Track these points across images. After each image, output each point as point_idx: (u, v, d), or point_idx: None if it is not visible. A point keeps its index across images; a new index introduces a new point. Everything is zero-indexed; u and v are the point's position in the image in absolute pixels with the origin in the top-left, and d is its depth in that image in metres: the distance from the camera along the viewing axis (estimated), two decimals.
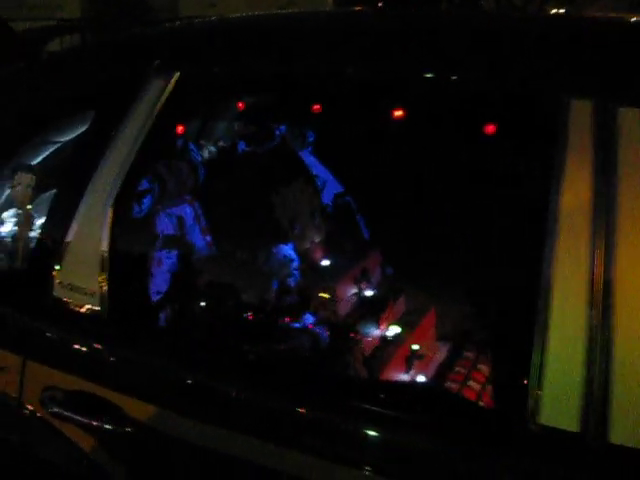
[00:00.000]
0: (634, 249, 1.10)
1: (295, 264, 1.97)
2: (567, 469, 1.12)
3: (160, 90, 1.51)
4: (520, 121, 1.38)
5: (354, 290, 2.08)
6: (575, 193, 1.16)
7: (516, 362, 1.26)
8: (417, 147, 1.96)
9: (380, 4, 1.73)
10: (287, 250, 1.97)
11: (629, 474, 1.09)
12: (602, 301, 1.11)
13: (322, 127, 2.35)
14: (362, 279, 2.12)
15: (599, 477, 1.11)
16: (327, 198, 2.43)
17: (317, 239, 2.15)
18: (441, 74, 1.39)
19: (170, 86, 1.51)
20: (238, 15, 1.98)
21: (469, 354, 1.90)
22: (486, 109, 1.48)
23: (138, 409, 1.45)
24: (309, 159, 2.42)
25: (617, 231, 1.12)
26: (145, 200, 1.81)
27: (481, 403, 1.67)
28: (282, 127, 2.23)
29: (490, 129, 1.50)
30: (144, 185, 1.81)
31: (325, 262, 2.13)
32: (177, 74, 1.52)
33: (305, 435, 1.33)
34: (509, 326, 1.50)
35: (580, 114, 1.18)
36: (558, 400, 1.12)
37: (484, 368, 1.80)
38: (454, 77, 1.36)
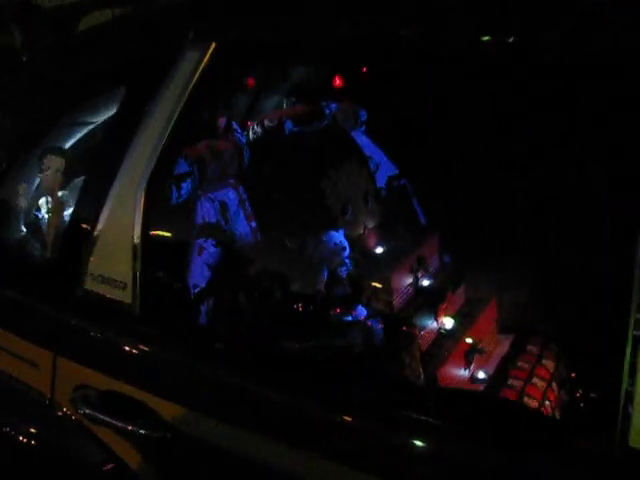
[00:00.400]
0: None
1: (347, 252, 1.81)
2: None
3: (195, 63, 1.37)
4: None
5: (410, 280, 1.92)
6: None
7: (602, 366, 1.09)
8: (482, 129, 1.81)
9: None
10: (338, 237, 1.82)
11: None
12: None
13: (376, 105, 2.20)
14: (419, 268, 1.96)
15: None
16: (381, 181, 2.27)
17: (371, 225, 1.99)
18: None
19: (206, 59, 1.37)
20: None
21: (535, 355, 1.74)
22: None
23: (172, 412, 1.33)
24: (362, 139, 2.26)
25: None
26: (184, 184, 1.68)
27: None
28: (332, 105, 2.07)
29: None
30: (183, 168, 1.68)
31: (379, 250, 1.97)
32: (213, 45, 1.37)
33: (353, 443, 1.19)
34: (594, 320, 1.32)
35: None
36: None
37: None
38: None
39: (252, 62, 1.50)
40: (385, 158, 2.31)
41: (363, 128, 2.28)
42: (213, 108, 1.78)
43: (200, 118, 1.69)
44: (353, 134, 2.23)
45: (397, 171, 2.30)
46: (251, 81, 1.74)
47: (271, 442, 1.23)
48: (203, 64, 1.37)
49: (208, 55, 1.37)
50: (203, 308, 1.60)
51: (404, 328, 1.77)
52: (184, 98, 1.37)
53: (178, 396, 1.36)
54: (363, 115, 2.26)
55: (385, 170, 2.29)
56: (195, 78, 1.37)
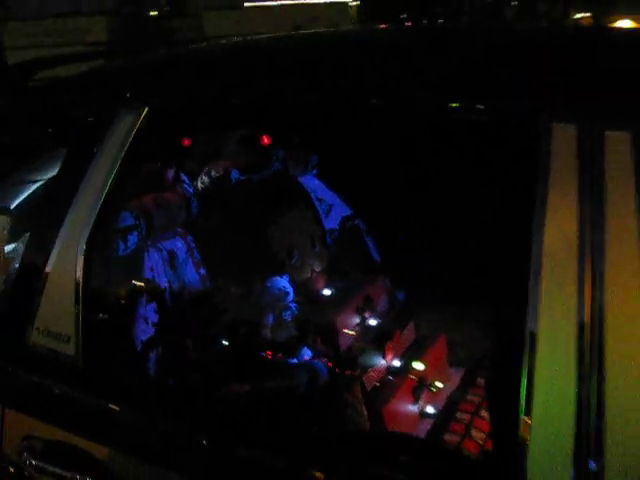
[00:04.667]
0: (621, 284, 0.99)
1: (290, 297, 1.87)
2: None
3: (130, 125, 1.44)
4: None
5: (357, 320, 1.99)
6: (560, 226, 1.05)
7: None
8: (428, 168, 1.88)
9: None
10: (282, 282, 1.88)
11: None
12: (590, 345, 0.99)
13: (325, 149, 2.27)
14: (365, 308, 2.03)
15: None
16: (334, 222, 2.34)
17: (318, 268, 2.06)
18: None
19: (140, 121, 1.44)
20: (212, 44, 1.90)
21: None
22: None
23: (120, 462, 1.38)
24: (313, 183, 2.33)
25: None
26: (131, 236, 1.74)
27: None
28: (280, 152, 2.15)
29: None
30: (128, 221, 1.75)
31: (326, 292, 2.04)
32: (146, 109, 1.45)
33: None
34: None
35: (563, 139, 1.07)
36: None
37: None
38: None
39: (185, 123, 1.58)
40: (338, 200, 2.39)
41: (314, 172, 2.35)
42: (156, 164, 1.85)
43: (142, 174, 1.76)
44: (303, 179, 2.30)
45: (350, 212, 2.38)
46: (187, 141, 1.81)
47: None
48: (137, 125, 1.44)
49: (142, 117, 1.44)
50: (149, 358, 1.65)
51: (348, 368, 1.82)
52: (120, 157, 1.44)
53: (124, 446, 1.40)
54: (314, 160, 2.34)
55: (339, 211, 2.37)
56: (130, 139, 1.44)
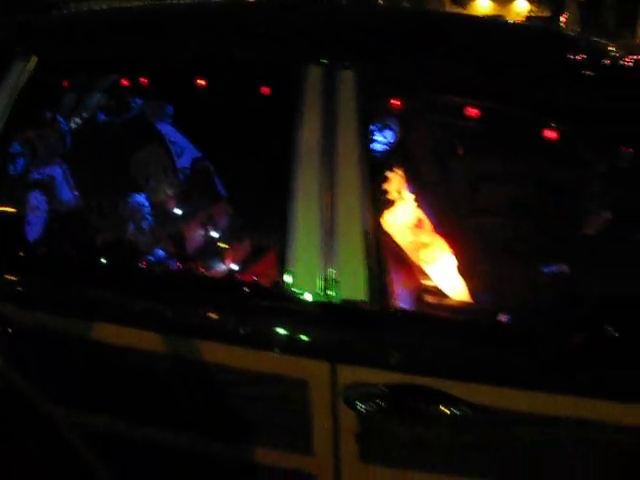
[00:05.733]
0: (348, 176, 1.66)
1: (148, 210, 2.44)
2: None
3: (21, 71, 1.96)
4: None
5: (201, 231, 2.58)
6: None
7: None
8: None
9: None
10: (141, 199, 2.45)
11: None
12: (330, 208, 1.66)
13: (177, 101, 2.83)
14: (209, 223, 2.62)
15: None
16: (186, 161, 2.92)
17: (170, 192, 2.64)
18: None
19: (29, 68, 1.96)
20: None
21: None
22: None
23: None
24: (167, 128, 2.89)
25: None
26: (19, 161, 2.25)
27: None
28: (138, 100, 2.70)
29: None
30: (17, 149, 2.25)
31: (177, 209, 2.62)
32: (35, 58, 1.97)
33: None
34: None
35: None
36: None
37: None
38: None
39: (65, 72, 2.10)
40: (190, 144, 2.97)
41: (168, 120, 2.91)
42: (41, 105, 2.36)
43: (30, 113, 2.26)
44: (159, 125, 2.86)
45: (200, 154, 2.96)
46: (65, 84, 2.31)
47: None
48: (27, 72, 1.96)
49: (31, 65, 1.97)
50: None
51: (192, 266, 2.41)
52: (13, 98, 1.96)
53: None
54: (169, 110, 2.90)
55: (190, 154, 2.94)
56: (21, 84, 1.96)
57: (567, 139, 2.57)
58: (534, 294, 2.18)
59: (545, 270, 2.32)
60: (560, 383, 1.63)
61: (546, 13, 18.91)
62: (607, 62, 2.05)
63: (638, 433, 1.62)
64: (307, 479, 1.81)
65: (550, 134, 2.50)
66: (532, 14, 22.72)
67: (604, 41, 2.56)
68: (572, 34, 3.13)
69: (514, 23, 3.41)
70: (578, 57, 2.02)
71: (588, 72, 1.92)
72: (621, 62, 2.07)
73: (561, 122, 1.96)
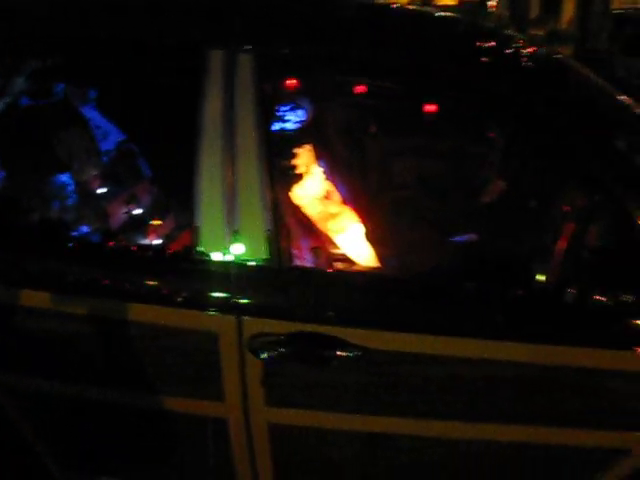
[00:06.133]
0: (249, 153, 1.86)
1: (72, 188, 2.60)
2: None
3: None
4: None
5: (125, 209, 2.75)
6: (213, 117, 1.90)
7: None
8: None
9: None
10: (65, 178, 2.60)
11: None
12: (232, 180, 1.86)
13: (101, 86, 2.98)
14: (132, 201, 2.79)
15: None
16: (110, 144, 3.07)
17: (94, 172, 2.80)
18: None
19: None
20: None
21: None
22: None
23: None
24: (91, 113, 3.04)
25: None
26: None
27: None
28: (63, 85, 2.83)
29: None
30: None
31: (102, 189, 2.78)
32: None
33: None
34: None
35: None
36: None
37: None
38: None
39: None
40: (114, 128, 3.12)
41: (92, 104, 3.06)
42: None
43: None
44: (84, 109, 3.00)
45: (124, 137, 3.11)
46: None
47: None
48: None
49: None
50: None
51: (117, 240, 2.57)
52: None
53: None
54: (92, 94, 3.04)
55: (115, 137, 3.09)
56: None
57: (467, 116, 2.84)
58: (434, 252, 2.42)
59: (447, 235, 2.57)
60: (442, 326, 1.88)
61: None
62: (504, 49, 2.30)
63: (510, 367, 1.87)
64: (218, 423, 2.01)
65: (450, 111, 2.78)
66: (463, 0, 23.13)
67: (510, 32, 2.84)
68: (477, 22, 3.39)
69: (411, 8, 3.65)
70: (473, 41, 2.26)
71: (485, 56, 2.16)
72: (518, 50, 2.31)
73: (463, 101, 2.19)
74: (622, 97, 2.73)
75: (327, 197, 2.65)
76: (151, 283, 1.98)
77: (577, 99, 2.23)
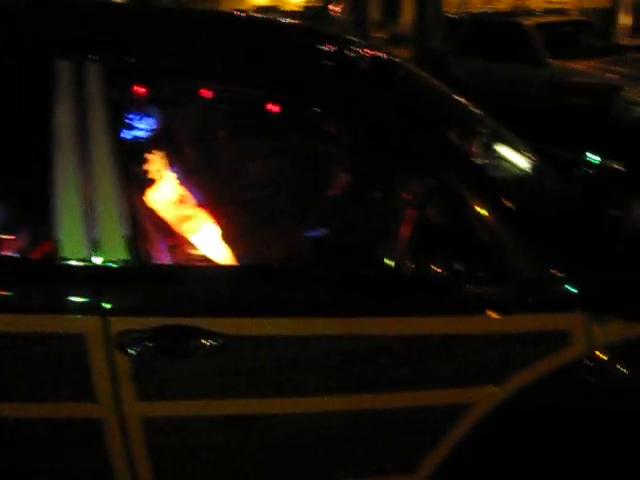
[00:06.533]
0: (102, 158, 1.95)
1: None
2: None
3: None
4: None
5: None
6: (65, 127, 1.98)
7: None
8: None
9: None
10: None
11: None
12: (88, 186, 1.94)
13: None
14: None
15: None
16: None
17: None
18: None
19: None
20: None
21: None
22: None
23: None
24: None
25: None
26: None
27: None
28: None
29: None
30: None
31: None
32: None
33: None
34: None
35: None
36: None
37: None
38: None
39: None
40: None
41: None
42: None
43: None
44: None
45: None
46: None
47: None
48: None
49: None
50: None
51: None
52: None
53: None
54: None
55: None
56: None
57: (311, 117, 3.03)
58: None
59: (301, 228, 2.74)
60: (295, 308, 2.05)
61: (321, 3, 20.04)
62: (344, 53, 2.49)
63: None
64: (94, 424, 2.07)
65: (296, 113, 2.96)
66: (308, 4, 23.85)
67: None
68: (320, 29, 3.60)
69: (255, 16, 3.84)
70: (314, 46, 2.43)
71: (326, 60, 2.34)
72: (357, 54, 2.51)
73: (307, 103, 2.37)
74: (456, 96, 3.03)
75: (181, 201, 2.76)
76: (13, 292, 2.02)
77: (413, 99, 2.47)
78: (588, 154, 3.33)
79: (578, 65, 9.25)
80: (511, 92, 8.91)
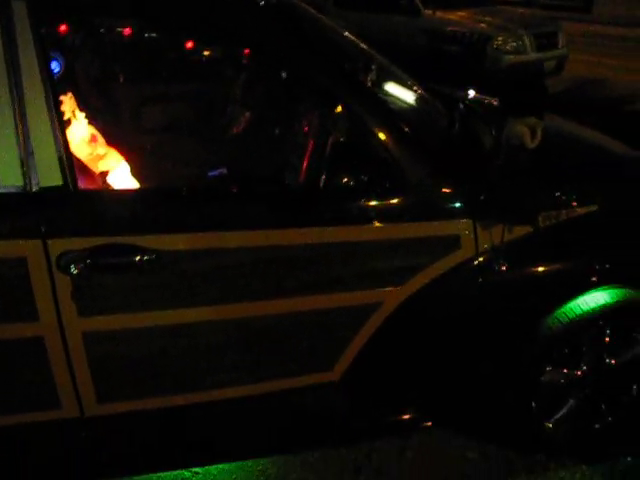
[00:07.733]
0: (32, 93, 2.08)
1: None
2: None
3: None
4: None
5: None
6: None
7: None
8: None
9: None
10: None
11: None
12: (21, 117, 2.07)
13: None
14: None
15: None
16: None
17: None
18: None
19: None
20: None
21: None
22: None
23: None
24: None
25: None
26: None
27: None
28: None
29: None
30: None
31: None
32: None
33: None
34: None
35: None
36: None
37: None
38: None
39: None
40: None
41: None
42: None
43: None
44: None
45: None
46: None
47: None
48: None
49: None
50: None
51: None
52: None
53: None
54: None
55: None
56: None
57: (208, 59, 3.21)
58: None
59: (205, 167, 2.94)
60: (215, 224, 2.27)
61: None
62: None
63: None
64: (36, 341, 2.23)
65: (194, 56, 3.13)
66: None
67: None
68: None
69: None
70: None
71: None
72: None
73: (203, 44, 2.52)
74: (345, 33, 3.26)
75: (93, 140, 2.90)
76: None
77: (309, 35, 2.68)
78: (468, 89, 3.68)
79: (452, 16, 9.68)
80: (391, 41, 9.24)
